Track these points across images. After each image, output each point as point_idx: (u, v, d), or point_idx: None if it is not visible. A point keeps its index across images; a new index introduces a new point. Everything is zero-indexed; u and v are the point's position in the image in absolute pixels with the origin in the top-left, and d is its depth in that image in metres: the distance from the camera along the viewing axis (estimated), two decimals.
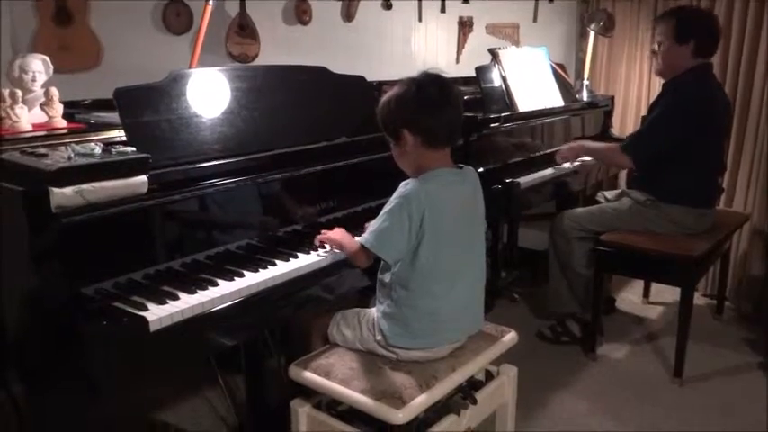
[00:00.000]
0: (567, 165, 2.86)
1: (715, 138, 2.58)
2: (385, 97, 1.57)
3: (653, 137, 2.50)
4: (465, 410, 1.58)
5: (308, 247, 1.69)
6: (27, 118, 1.70)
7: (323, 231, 1.70)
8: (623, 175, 3.58)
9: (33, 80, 1.77)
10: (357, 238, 1.64)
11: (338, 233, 1.68)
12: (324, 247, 1.69)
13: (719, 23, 2.68)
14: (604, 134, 3.51)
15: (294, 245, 1.68)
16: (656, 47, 2.60)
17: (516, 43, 3.80)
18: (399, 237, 1.51)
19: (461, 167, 1.62)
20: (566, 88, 3.23)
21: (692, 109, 2.44)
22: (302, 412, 1.61)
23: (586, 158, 2.92)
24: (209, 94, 1.68)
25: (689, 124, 2.43)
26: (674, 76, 2.53)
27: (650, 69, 3.64)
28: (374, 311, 1.65)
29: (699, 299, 3.22)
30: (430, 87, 1.52)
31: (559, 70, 3.26)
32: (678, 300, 2.48)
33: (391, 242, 1.52)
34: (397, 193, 1.54)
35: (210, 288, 1.44)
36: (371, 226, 1.58)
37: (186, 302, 1.36)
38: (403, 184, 1.55)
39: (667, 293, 3.16)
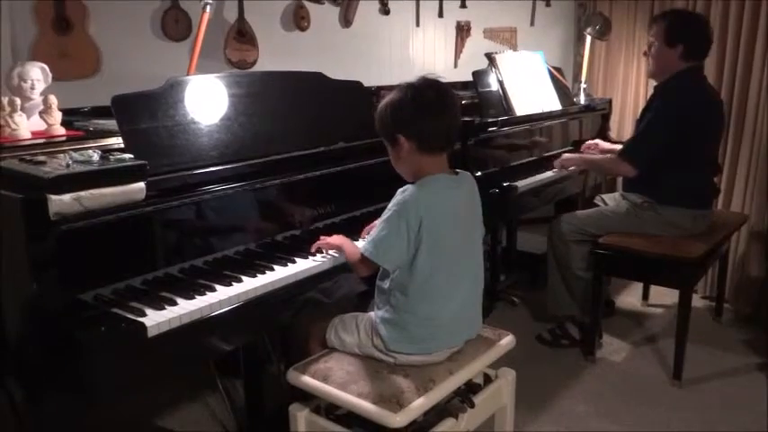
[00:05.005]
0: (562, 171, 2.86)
1: (709, 138, 2.59)
2: (382, 102, 1.57)
3: (650, 140, 2.51)
4: (463, 414, 1.58)
5: (306, 252, 1.69)
6: (26, 126, 1.71)
7: (322, 237, 1.70)
8: (621, 177, 3.58)
9: (32, 88, 1.79)
10: (358, 247, 1.64)
11: (338, 239, 1.68)
12: (321, 252, 1.69)
13: (710, 27, 2.70)
14: (602, 137, 3.51)
15: (292, 250, 1.69)
16: (647, 48, 2.62)
17: (514, 47, 3.82)
18: (398, 244, 1.51)
19: (458, 172, 1.62)
20: (563, 92, 3.24)
21: (682, 112, 2.45)
22: (301, 416, 1.61)
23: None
24: (206, 101, 1.68)
25: (681, 126, 2.44)
26: (663, 80, 2.56)
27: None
28: (372, 316, 1.65)
29: (698, 301, 3.22)
30: (427, 92, 1.52)
31: (557, 74, 3.27)
32: (677, 302, 2.49)
33: (391, 250, 1.52)
34: (394, 201, 1.53)
35: (209, 293, 1.44)
36: (370, 235, 1.58)
37: (184, 308, 1.37)
38: (400, 191, 1.55)
39: (667, 296, 3.16)
